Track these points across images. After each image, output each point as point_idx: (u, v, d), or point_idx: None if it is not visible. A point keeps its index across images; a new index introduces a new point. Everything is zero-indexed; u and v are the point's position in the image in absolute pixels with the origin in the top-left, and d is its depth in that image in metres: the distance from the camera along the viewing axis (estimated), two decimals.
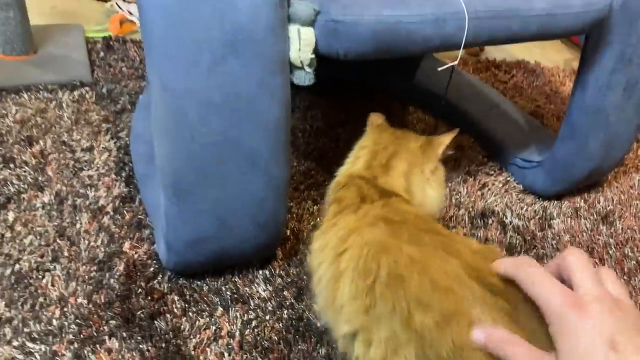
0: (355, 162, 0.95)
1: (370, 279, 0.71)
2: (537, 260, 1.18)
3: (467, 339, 0.60)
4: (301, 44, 0.86)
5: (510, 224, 1.29)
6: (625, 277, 1.20)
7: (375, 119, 1.03)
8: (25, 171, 1.20)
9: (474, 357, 0.59)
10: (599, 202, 1.41)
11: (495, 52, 2.08)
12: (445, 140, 0.94)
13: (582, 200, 1.41)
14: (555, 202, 1.39)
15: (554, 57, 2.16)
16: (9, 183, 1.17)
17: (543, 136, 1.50)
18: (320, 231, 0.87)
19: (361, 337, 0.72)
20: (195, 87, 0.81)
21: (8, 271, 0.99)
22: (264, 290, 1.04)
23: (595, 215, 1.37)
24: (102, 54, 1.66)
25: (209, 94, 0.82)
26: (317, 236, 0.87)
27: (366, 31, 0.87)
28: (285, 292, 1.04)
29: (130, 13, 1.84)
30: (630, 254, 1.27)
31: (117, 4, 1.88)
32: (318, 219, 1.20)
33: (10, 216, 1.10)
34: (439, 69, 1.03)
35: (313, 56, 0.88)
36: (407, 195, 0.90)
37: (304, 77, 0.89)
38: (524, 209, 1.35)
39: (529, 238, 1.26)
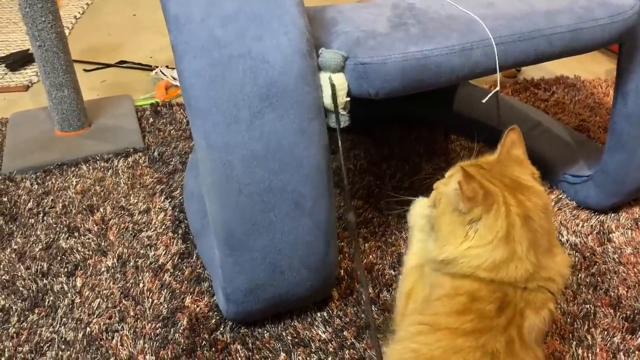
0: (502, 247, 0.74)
1: None
2: (600, 277, 1.16)
3: None
4: (333, 89, 0.89)
5: (567, 242, 1.26)
6: None
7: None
8: (89, 238, 1.27)
9: None
10: None
11: (532, 71, 2.06)
12: None
13: None
14: (612, 215, 1.35)
15: (594, 69, 2.12)
16: (75, 251, 1.23)
17: (591, 149, 1.47)
18: (415, 324, 0.77)
19: None
20: (238, 142, 0.86)
21: (80, 335, 1.05)
22: (324, 332, 1.05)
23: None
24: (151, 119, 1.75)
25: (251, 147, 0.86)
26: (409, 324, 0.78)
27: (395, 69, 0.90)
28: (345, 333, 1.05)
29: (174, 78, 1.93)
30: None
31: (161, 71, 1.98)
32: (370, 257, 1.21)
33: (79, 282, 1.16)
34: (483, 100, 1.01)
35: (347, 99, 0.91)
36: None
37: (340, 120, 0.92)
38: (580, 225, 1.32)
39: (589, 254, 1.23)
